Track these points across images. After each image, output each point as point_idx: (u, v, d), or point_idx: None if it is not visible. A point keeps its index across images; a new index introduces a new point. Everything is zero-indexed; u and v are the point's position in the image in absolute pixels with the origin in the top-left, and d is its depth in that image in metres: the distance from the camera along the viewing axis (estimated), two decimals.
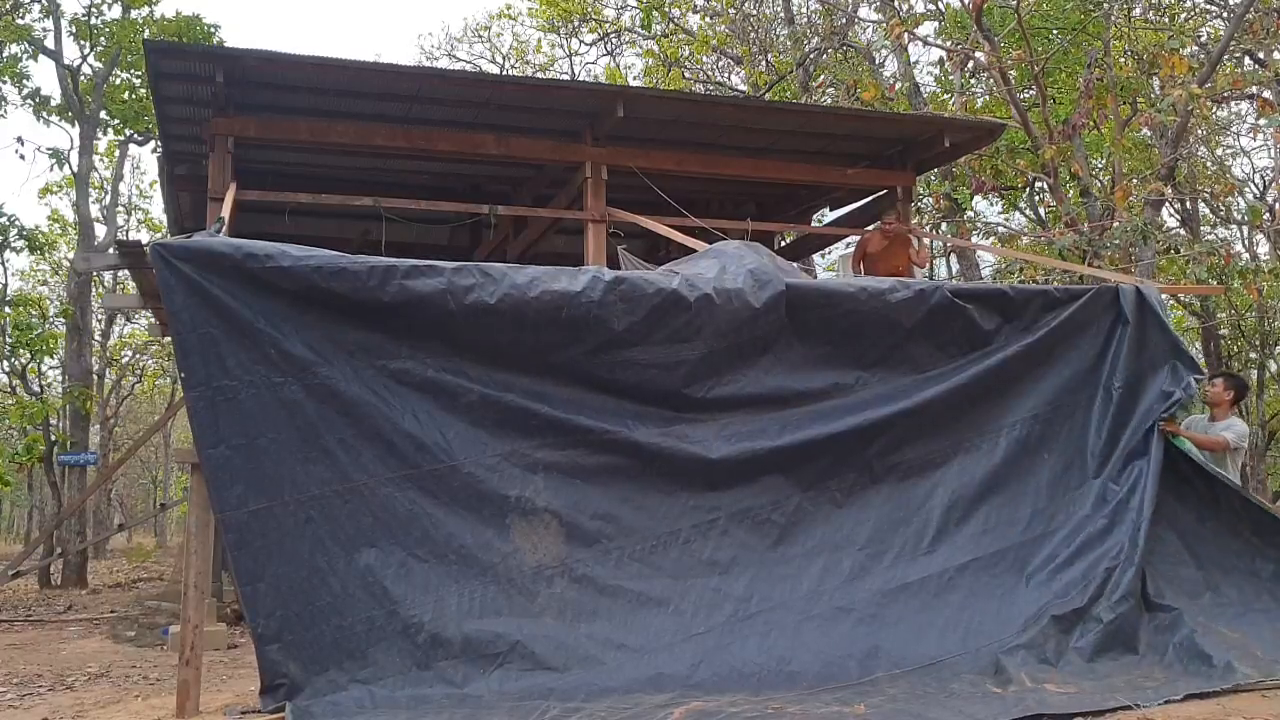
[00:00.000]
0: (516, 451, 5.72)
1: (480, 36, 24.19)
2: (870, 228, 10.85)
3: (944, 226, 16.58)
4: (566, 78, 21.51)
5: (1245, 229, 20.76)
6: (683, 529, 5.99)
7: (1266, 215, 16.92)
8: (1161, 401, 6.74)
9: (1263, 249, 18.35)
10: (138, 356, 26.05)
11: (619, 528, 5.87)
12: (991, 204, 20.00)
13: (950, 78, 15.64)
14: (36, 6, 17.09)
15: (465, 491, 5.62)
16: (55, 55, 17.24)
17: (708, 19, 20.70)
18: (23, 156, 40.02)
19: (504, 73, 22.09)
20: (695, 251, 7.22)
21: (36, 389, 19.49)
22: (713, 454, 6.05)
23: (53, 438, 16.75)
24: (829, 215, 12.34)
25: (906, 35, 14.39)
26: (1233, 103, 16.67)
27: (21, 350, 16.96)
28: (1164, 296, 7.28)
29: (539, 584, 5.65)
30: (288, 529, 5.33)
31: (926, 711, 5.17)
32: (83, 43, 17.19)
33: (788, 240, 12.90)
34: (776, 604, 5.95)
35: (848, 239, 10.67)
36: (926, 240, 12.66)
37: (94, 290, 18.47)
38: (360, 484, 5.47)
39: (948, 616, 6.10)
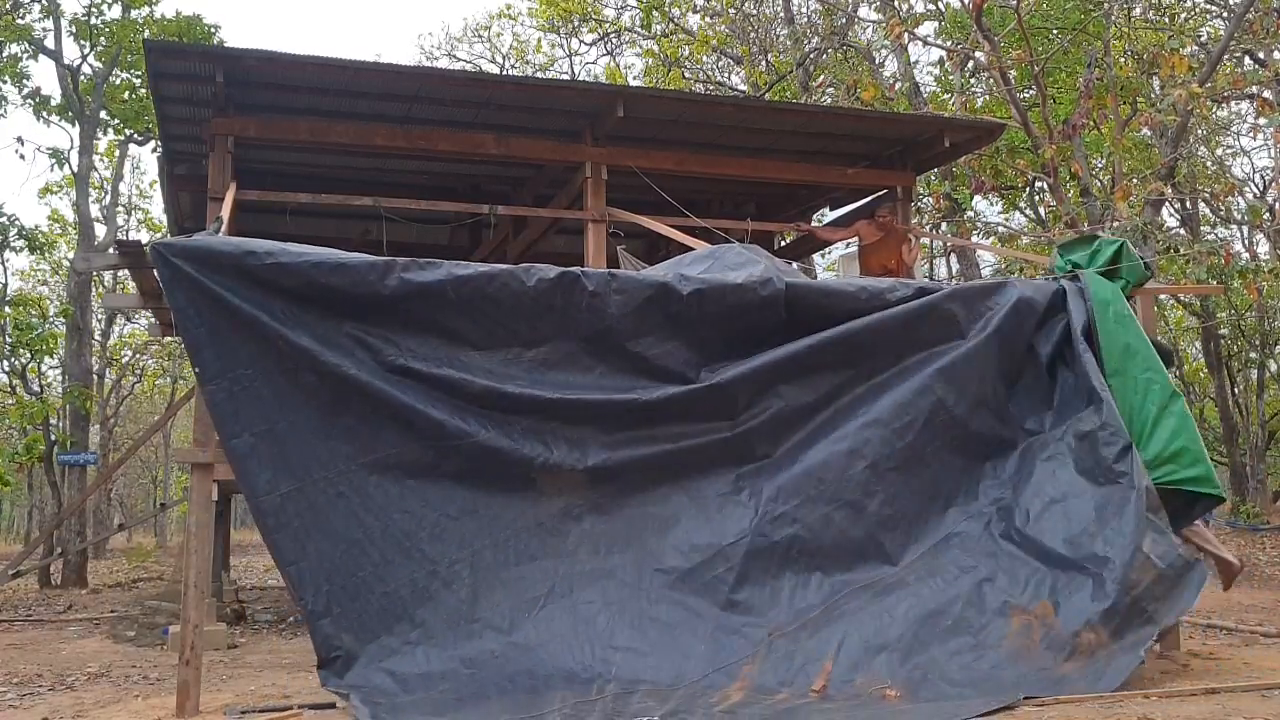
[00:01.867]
0: (530, 427, 5.84)
1: (480, 36, 24.22)
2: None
3: (944, 226, 16.57)
4: (566, 78, 21.51)
5: (1245, 229, 20.77)
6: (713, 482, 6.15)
7: (1266, 215, 16.91)
8: None
9: (1263, 249, 18.33)
10: (138, 356, 26.03)
11: (640, 473, 6.01)
12: (991, 204, 20.03)
13: (950, 78, 15.65)
14: (36, 6, 17.10)
15: (487, 456, 5.74)
16: (55, 55, 17.24)
17: (708, 19, 20.70)
18: (23, 156, 40.28)
19: (504, 73, 22.08)
20: (693, 250, 7.24)
21: (36, 389, 19.49)
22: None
23: (53, 438, 16.76)
24: (829, 215, 12.35)
25: (906, 35, 14.40)
26: (1233, 103, 16.69)
27: (21, 350, 16.96)
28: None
29: (568, 523, 5.84)
30: (321, 506, 5.44)
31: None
32: (83, 43, 17.19)
33: (787, 240, 12.90)
34: (814, 549, 6.10)
35: (848, 240, 10.64)
36: (924, 240, 12.66)
37: (94, 290, 18.47)
38: (385, 455, 5.58)
39: (955, 591, 6.13)
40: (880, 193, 10.76)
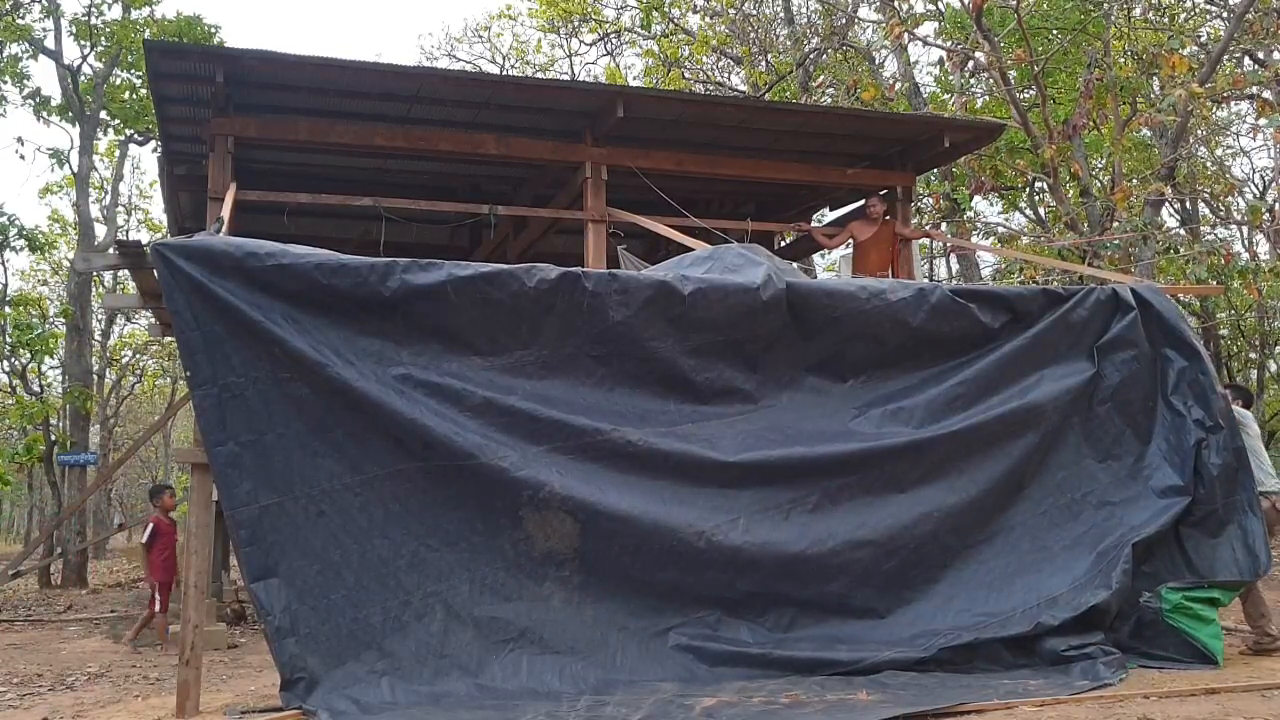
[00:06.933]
0: (524, 449, 5.72)
1: (480, 36, 24.19)
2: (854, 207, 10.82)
3: (944, 226, 16.56)
4: (566, 78, 21.50)
5: (1245, 229, 20.75)
6: (702, 525, 5.96)
7: (1266, 215, 16.90)
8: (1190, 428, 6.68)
9: (1263, 249, 18.33)
10: (138, 356, 26.04)
11: (630, 521, 5.84)
12: (991, 204, 20.03)
13: (950, 78, 15.62)
14: (37, 6, 17.10)
15: (476, 483, 5.63)
16: (55, 55, 17.24)
17: (708, 19, 20.70)
18: (23, 156, 40.26)
19: (504, 73, 22.08)
20: (693, 250, 7.23)
21: (36, 389, 19.49)
22: (726, 456, 6.04)
23: (53, 438, 16.76)
24: (829, 215, 12.34)
25: (906, 35, 14.39)
26: (1233, 103, 16.68)
27: (21, 350, 16.96)
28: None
29: (548, 569, 5.74)
30: (299, 523, 5.35)
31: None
32: (83, 43, 17.19)
33: (787, 240, 12.90)
34: (786, 598, 6.06)
35: (845, 242, 10.64)
36: (924, 240, 12.65)
37: (94, 290, 18.47)
38: (371, 476, 5.50)
39: (970, 594, 6.30)
40: (880, 193, 10.76)
